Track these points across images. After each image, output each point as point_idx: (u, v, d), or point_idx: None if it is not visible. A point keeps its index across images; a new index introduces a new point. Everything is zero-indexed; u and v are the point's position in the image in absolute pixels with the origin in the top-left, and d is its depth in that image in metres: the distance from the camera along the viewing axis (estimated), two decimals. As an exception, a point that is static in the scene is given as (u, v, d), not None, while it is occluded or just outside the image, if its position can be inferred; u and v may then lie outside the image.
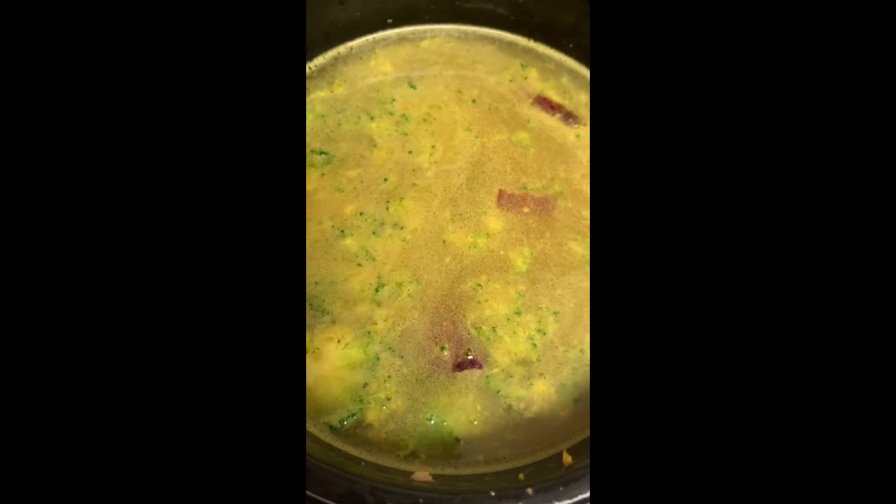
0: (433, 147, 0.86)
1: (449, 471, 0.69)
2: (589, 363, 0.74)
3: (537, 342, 0.74)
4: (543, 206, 0.82)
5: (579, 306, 0.76)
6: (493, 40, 0.97)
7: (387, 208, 0.80)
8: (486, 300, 0.75)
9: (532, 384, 0.72)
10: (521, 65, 0.95)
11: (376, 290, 0.75)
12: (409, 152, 0.85)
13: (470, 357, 0.72)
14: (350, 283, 0.76)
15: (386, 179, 0.82)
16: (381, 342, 0.72)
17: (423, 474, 0.65)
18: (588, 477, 0.60)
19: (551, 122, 0.89)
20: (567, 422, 0.71)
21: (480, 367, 0.72)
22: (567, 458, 0.65)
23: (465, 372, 0.72)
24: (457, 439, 0.69)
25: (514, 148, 0.87)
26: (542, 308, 0.76)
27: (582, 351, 0.74)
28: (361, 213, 0.80)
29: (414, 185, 0.82)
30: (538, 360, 0.73)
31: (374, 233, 0.79)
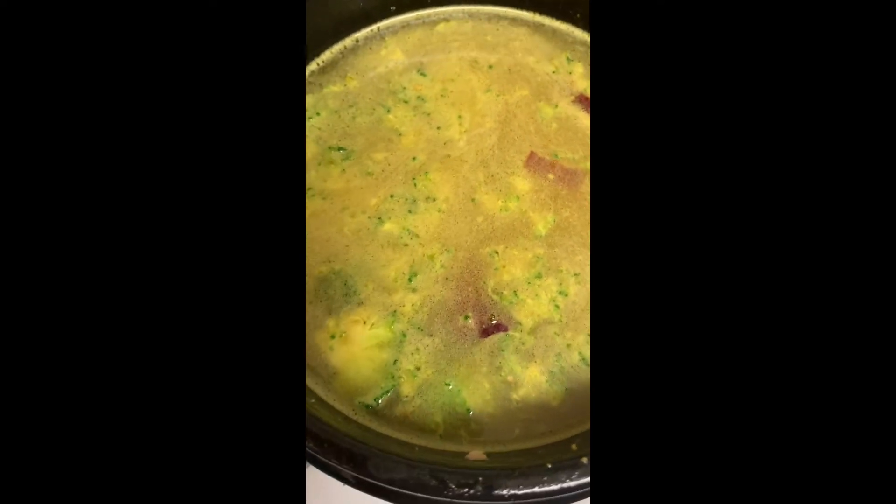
0: (459, 117, 0.87)
1: (499, 448, 0.70)
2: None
3: (560, 303, 0.75)
4: (571, 177, 0.82)
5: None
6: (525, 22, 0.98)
7: (414, 185, 0.81)
8: (505, 266, 0.77)
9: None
10: (567, 58, 0.94)
11: (409, 280, 0.76)
12: (438, 128, 0.86)
13: (494, 322, 0.73)
14: (389, 268, 0.77)
15: (414, 158, 0.83)
16: (408, 321, 0.74)
17: (476, 453, 0.66)
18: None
19: (581, 115, 0.89)
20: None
21: (506, 329, 0.73)
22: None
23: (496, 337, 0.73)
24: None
25: (535, 110, 0.88)
26: (562, 271, 0.77)
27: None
28: (392, 196, 0.81)
29: (448, 156, 0.84)
30: (560, 319, 0.74)
31: (409, 211, 0.80)
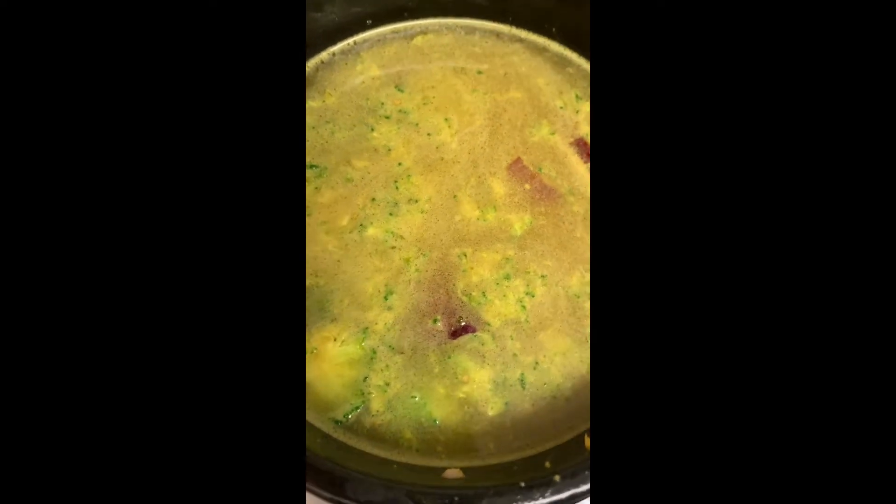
0: (446, 120, 0.88)
1: (476, 462, 0.72)
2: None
3: (526, 304, 0.77)
4: (549, 194, 0.84)
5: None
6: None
7: (396, 188, 0.83)
8: (473, 267, 0.79)
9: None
10: (577, 95, 0.92)
11: (385, 297, 0.77)
12: (429, 135, 0.87)
13: (463, 323, 0.75)
14: (369, 282, 0.78)
15: (400, 164, 0.85)
16: (379, 339, 0.75)
17: (454, 471, 0.68)
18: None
19: (574, 158, 0.88)
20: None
21: (475, 330, 0.75)
22: (589, 442, 0.68)
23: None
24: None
25: (529, 118, 0.88)
26: (529, 272, 0.79)
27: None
28: (374, 200, 0.82)
29: (442, 159, 0.85)
30: (527, 320, 0.76)
31: (390, 214, 0.81)
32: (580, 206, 0.83)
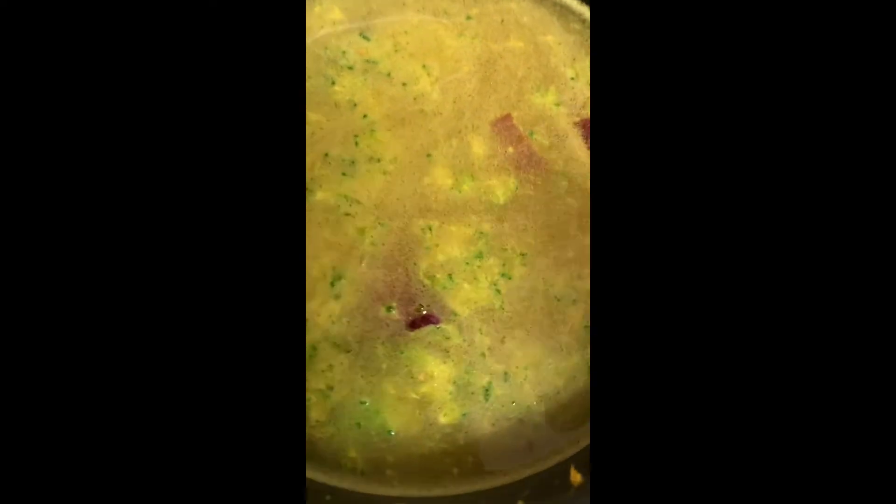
0: (424, 66, 0.73)
1: (436, 491, 0.58)
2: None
3: (501, 287, 0.64)
4: (535, 164, 0.69)
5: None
6: None
7: (356, 144, 0.69)
8: (438, 245, 0.65)
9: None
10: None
11: (332, 284, 0.63)
12: (404, 84, 0.72)
13: (424, 313, 0.63)
14: (314, 263, 0.64)
15: (365, 116, 0.71)
16: (322, 334, 0.62)
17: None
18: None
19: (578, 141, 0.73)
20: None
21: (437, 322, 0.62)
22: (576, 477, 0.54)
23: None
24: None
25: (530, 74, 0.72)
26: (507, 250, 0.66)
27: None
28: (327, 156, 0.68)
29: (422, 111, 0.71)
30: (501, 307, 0.63)
31: (343, 174, 0.67)
32: (575, 200, 0.68)
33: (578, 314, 0.64)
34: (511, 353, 0.62)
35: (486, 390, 0.60)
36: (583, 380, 0.62)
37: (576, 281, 0.65)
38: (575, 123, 0.72)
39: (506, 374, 0.61)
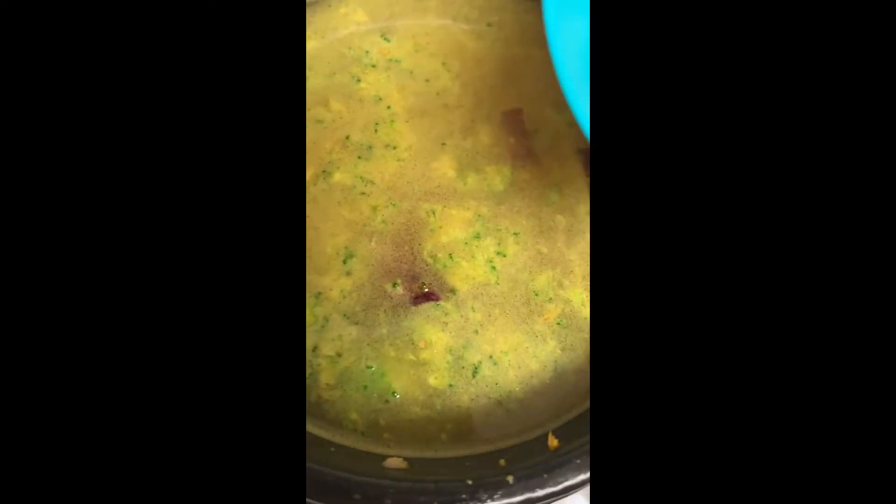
0: (444, 64, 0.79)
1: (429, 454, 0.64)
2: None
3: (497, 265, 0.70)
4: (533, 158, 0.75)
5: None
6: None
7: (375, 131, 0.75)
8: (442, 227, 0.71)
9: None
10: None
11: (344, 261, 0.69)
12: (427, 80, 0.78)
13: (426, 290, 0.68)
14: (328, 243, 0.70)
15: (389, 107, 0.77)
16: (333, 306, 0.67)
17: (395, 461, 0.60)
18: (575, 463, 0.55)
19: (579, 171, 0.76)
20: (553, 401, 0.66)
21: (437, 299, 0.67)
22: (553, 442, 0.60)
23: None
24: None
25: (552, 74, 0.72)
26: (501, 230, 0.71)
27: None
28: (348, 138, 0.75)
29: (445, 105, 0.77)
30: (497, 282, 0.69)
31: (359, 157, 0.74)
32: (564, 218, 0.72)
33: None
34: (493, 339, 0.67)
35: (475, 369, 0.66)
36: (561, 364, 0.68)
37: (572, 290, 0.71)
38: (579, 150, 0.75)
39: (492, 357, 0.66)
